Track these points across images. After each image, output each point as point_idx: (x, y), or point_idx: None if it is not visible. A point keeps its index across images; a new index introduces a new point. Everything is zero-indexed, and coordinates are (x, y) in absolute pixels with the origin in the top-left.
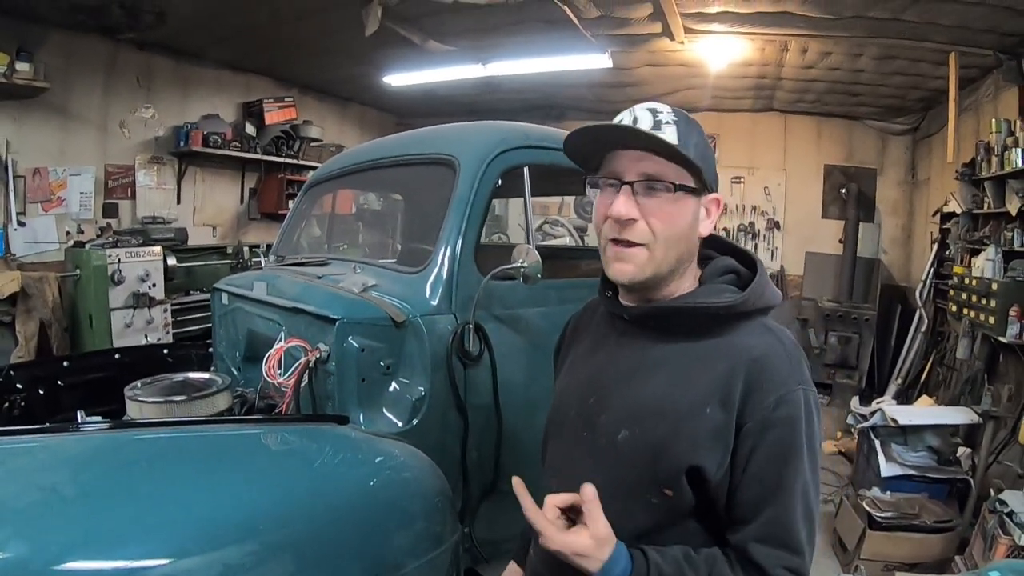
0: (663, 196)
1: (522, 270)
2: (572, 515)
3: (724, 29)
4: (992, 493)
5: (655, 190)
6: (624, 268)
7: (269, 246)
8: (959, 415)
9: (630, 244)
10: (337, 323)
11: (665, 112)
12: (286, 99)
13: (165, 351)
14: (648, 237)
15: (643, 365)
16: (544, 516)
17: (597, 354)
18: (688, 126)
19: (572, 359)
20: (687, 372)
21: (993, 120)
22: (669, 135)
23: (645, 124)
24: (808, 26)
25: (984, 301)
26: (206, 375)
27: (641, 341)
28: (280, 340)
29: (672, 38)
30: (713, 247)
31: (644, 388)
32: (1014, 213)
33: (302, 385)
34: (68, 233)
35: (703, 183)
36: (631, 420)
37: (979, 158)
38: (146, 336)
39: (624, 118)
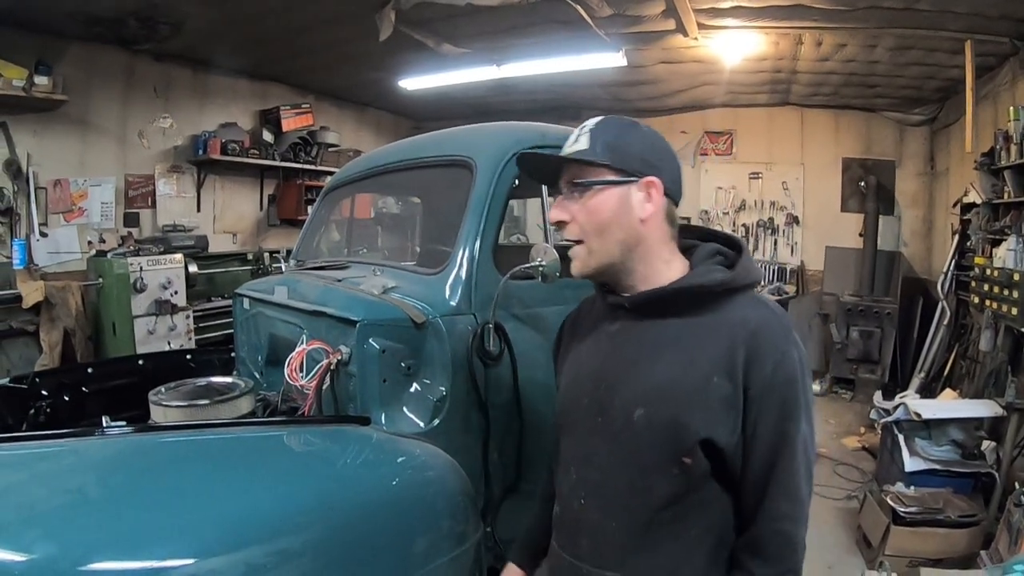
0: (583, 194)
1: (541, 269)
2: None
3: (738, 24)
4: (1017, 486)
5: (576, 190)
6: (573, 265)
7: (289, 251)
8: (983, 408)
9: (571, 242)
10: (358, 325)
11: (589, 124)
12: (303, 106)
13: (188, 356)
14: (578, 232)
15: (649, 347)
16: None
17: (600, 345)
18: (605, 129)
19: (574, 355)
20: (691, 348)
21: (1011, 108)
22: (581, 143)
23: (571, 139)
24: (822, 18)
25: (1006, 292)
26: (229, 379)
27: (643, 326)
28: (302, 343)
29: (686, 34)
30: (696, 236)
31: (653, 368)
32: None
33: (324, 387)
34: (90, 243)
35: (626, 172)
36: (645, 399)
37: (998, 147)
38: (169, 343)
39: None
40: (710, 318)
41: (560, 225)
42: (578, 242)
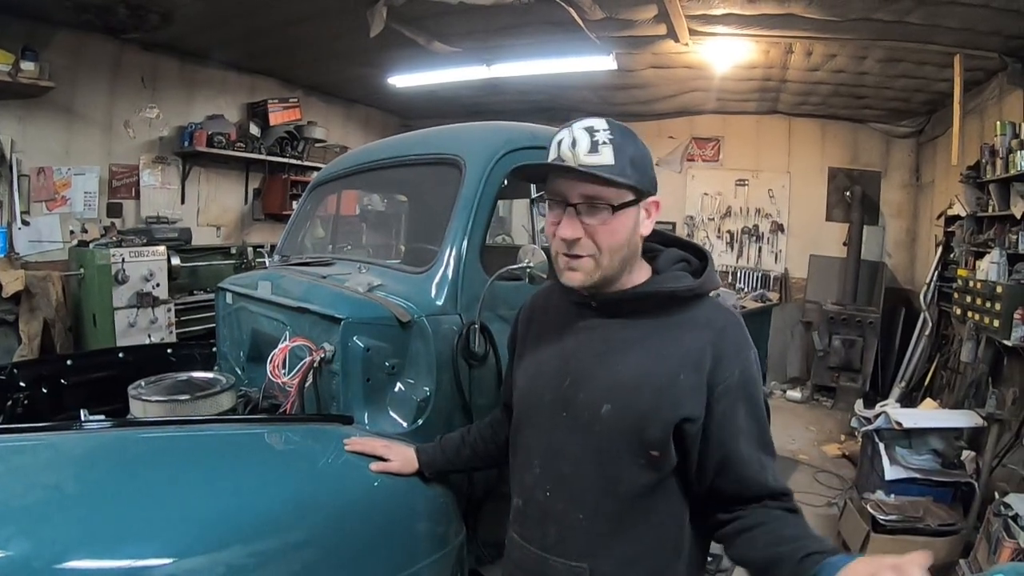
0: (603, 215)
1: (528, 270)
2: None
3: (729, 31)
4: (996, 496)
5: (596, 209)
6: (574, 276)
7: (273, 246)
8: (963, 418)
9: (577, 256)
10: (342, 323)
11: (601, 131)
12: (291, 100)
13: (169, 350)
14: (593, 249)
15: (615, 345)
16: None
17: (564, 342)
18: (624, 140)
19: (533, 350)
20: (658, 347)
21: (998, 123)
22: (606, 156)
23: (583, 146)
24: (813, 28)
25: (989, 304)
26: (210, 374)
27: (610, 325)
28: (284, 339)
29: (677, 40)
30: (657, 240)
31: (620, 365)
32: (1019, 216)
33: (306, 385)
34: (72, 232)
35: (643, 192)
36: (612, 394)
37: (984, 161)
38: (150, 336)
39: (564, 139)
40: (676, 319)
41: (571, 242)
42: (583, 256)
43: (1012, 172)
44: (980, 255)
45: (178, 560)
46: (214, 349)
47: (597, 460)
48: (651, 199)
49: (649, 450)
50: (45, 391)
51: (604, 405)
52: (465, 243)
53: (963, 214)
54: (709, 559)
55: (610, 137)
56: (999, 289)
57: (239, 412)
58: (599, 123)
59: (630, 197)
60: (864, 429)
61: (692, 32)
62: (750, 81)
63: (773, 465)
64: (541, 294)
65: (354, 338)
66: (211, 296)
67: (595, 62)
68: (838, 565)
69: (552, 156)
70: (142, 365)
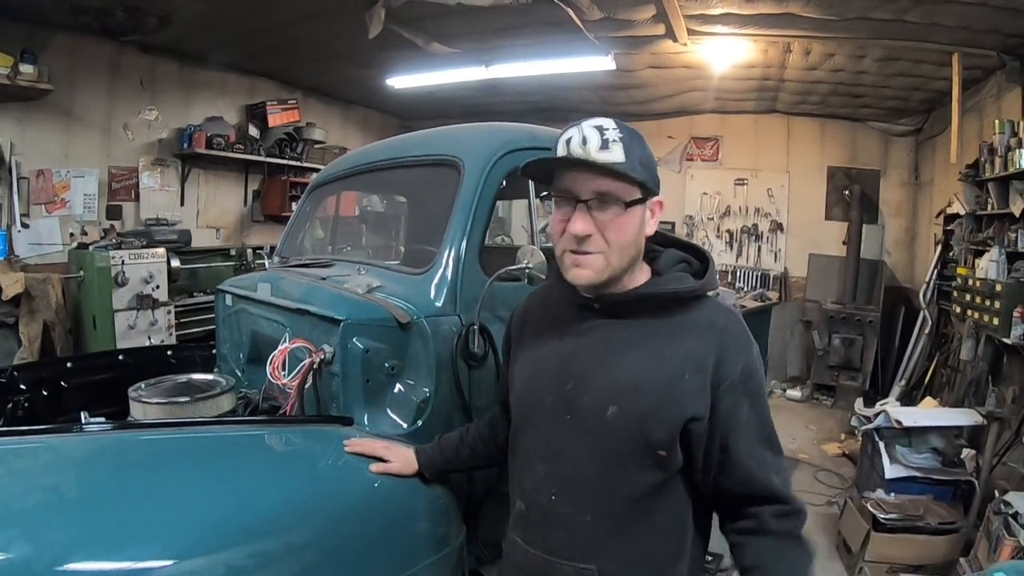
0: (614, 210)
1: (527, 271)
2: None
3: (727, 31)
4: (997, 495)
5: (607, 205)
6: (582, 273)
7: (273, 248)
8: (963, 416)
9: (587, 252)
10: (342, 324)
11: (611, 129)
12: (290, 101)
13: (169, 352)
14: (603, 246)
15: (616, 347)
16: None
17: (564, 342)
18: (632, 141)
19: (530, 352)
20: (660, 348)
21: (996, 121)
22: (616, 154)
23: (594, 144)
24: (811, 27)
25: (988, 302)
26: (210, 376)
27: (609, 326)
28: (284, 341)
29: (675, 40)
30: (655, 241)
31: (622, 366)
32: (1018, 214)
33: (306, 386)
34: (72, 235)
35: (650, 191)
36: (617, 396)
37: (983, 159)
38: (149, 338)
39: (573, 136)
40: (678, 320)
41: (582, 238)
42: (592, 252)
43: (1011, 170)
44: (979, 253)
45: (178, 562)
46: (214, 351)
47: (601, 462)
48: (655, 199)
49: (656, 450)
50: (45, 393)
51: (609, 407)
52: (464, 244)
53: (962, 212)
54: (709, 558)
55: (620, 136)
56: (998, 287)
57: (239, 414)
58: (607, 122)
59: (639, 195)
60: (864, 428)
61: (690, 32)
62: (748, 80)
63: (779, 463)
64: (538, 294)
65: (354, 339)
66: (211, 298)
67: (594, 62)
68: None
69: (561, 154)
70: (142, 367)
